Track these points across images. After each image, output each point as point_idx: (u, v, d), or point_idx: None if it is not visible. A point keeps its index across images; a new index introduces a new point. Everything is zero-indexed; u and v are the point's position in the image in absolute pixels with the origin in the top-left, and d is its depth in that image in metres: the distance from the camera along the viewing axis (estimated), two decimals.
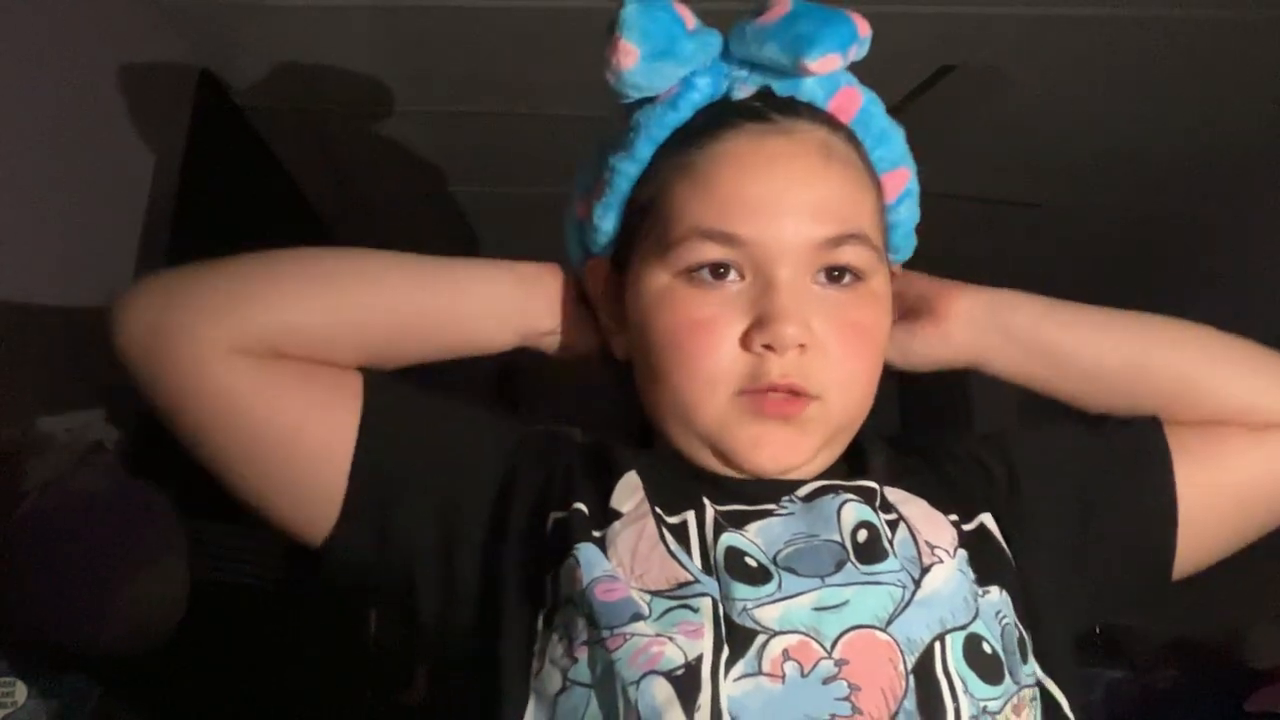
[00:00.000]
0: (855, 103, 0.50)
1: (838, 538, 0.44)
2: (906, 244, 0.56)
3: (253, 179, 1.72)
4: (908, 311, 0.55)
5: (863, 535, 0.44)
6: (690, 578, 0.42)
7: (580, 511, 0.45)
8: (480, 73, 1.74)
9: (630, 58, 0.46)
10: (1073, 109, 1.78)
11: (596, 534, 0.45)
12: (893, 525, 0.45)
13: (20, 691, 0.83)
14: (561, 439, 0.53)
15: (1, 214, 1.22)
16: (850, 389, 0.47)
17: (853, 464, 0.51)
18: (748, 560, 0.43)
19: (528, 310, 0.52)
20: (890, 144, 0.53)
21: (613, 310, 0.52)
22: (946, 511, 0.48)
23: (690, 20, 0.48)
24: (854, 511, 0.45)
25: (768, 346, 0.45)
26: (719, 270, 0.46)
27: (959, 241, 2.35)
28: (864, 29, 0.45)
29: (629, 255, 0.50)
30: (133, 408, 1.38)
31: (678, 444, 0.50)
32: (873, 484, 0.48)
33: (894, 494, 0.48)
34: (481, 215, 2.37)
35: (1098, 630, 2.42)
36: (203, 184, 1.48)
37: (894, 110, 1.81)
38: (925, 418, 3.64)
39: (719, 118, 0.48)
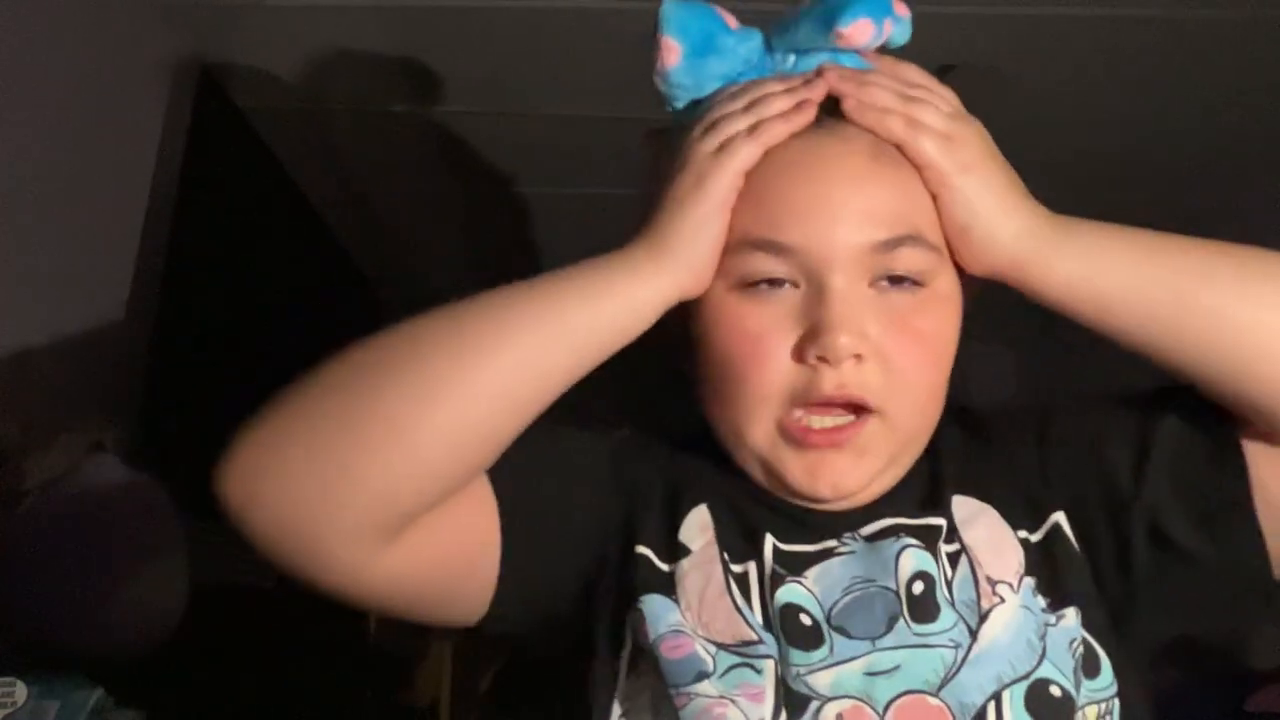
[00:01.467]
0: None
1: (894, 585, 0.43)
2: None
3: (253, 179, 1.72)
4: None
5: (919, 587, 0.43)
6: (754, 637, 0.42)
7: (645, 557, 0.45)
8: (481, 73, 1.74)
9: (673, 54, 0.45)
10: (1073, 109, 1.78)
11: (666, 568, 0.45)
12: (954, 560, 0.44)
13: (20, 691, 0.83)
14: (642, 457, 0.51)
15: (1, 213, 1.22)
16: (912, 400, 0.45)
17: (933, 470, 0.49)
18: (802, 619, 0.42)
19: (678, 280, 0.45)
20: None
21: (678, 323, 0.49)
22: (1018, 524, 0.46)
23: (732, 21, 0.48)
24: (912, 559, 0.44)
25: (821, 358, 0.43)
26: (772, 280, 0.45)
27: None
28: (901, 8, 0.45)
29: None
30: (133, 408, 1.38)
31: (738, 463, 0.48)
32: (939, 521, 0.46)
33: (963, 507, 0.46)
34: (481, 215, 2.37)
35: None
36: (203, 184, 1.48)
37: None
38: None
39: None
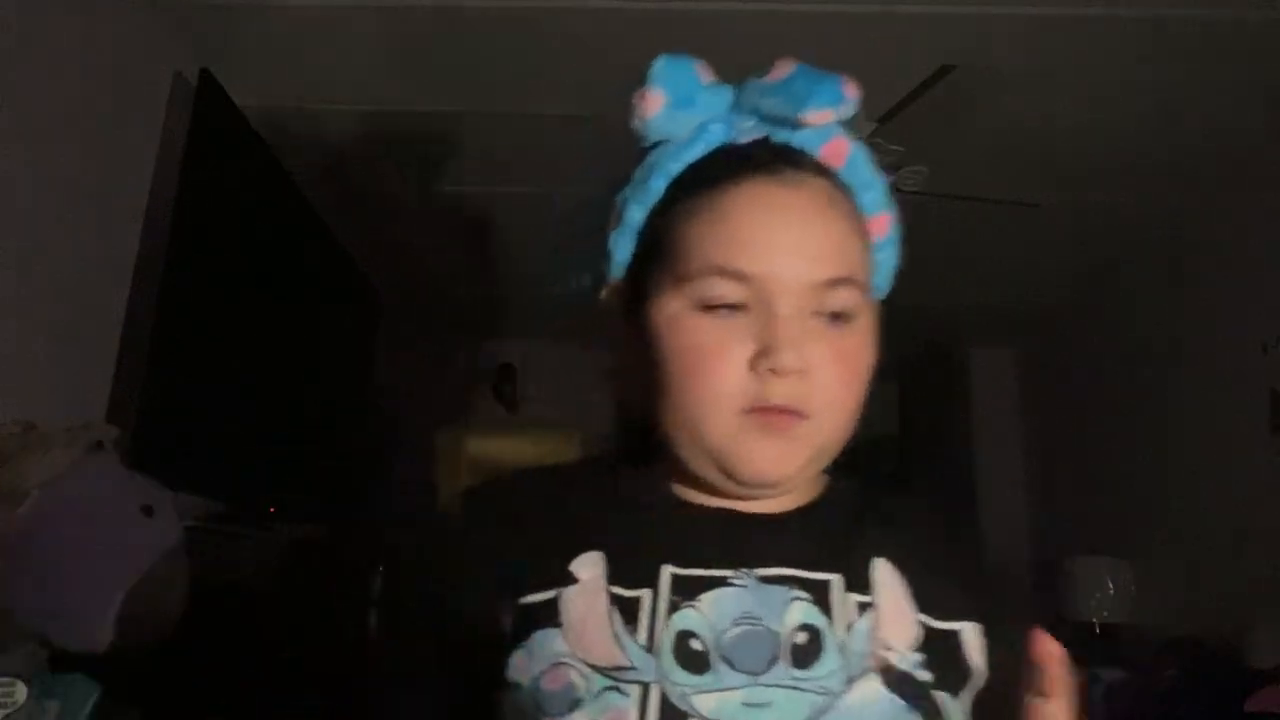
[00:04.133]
0: (844, 150, 0.55)
1: (779, 630, 0.49)
2: (885, 285, 0.60)
3: (253, 179, 1.72)
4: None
5: (802, 638, 0.49)
6: (627, 663, 0.48)
7: (526, 605, 0.51)
8: (480, 73, 1.74)
9: (657, 105, 0.53)
10: (1073, 109, 1.78)
11: (551, 594, 0.50)
12: (863, 609, 0.50)
13: (20, 692, 0.83)
14: (528, 520, 0.56)
15: (3, 214, 1.22)
16: (837, 412, 0.52)
17: (853, 533, 0.55)
18: (693, 644, 0.49)
19: None
20: (876, 190, 0.57)
21: (624, 326, 0.56)
22: (924, 609, 0.52)
23: (706, 76, 0.54)
24: (800, 612, 0.50)
25: (772, 370, 0.50)
26: (729, 304, 0.51)
27: (959, 241, 2.36)
28: (851, 91, 0.52)
29: (643, 280, 0.55)
30: (133, 408, 1.38)
31: (683, 455, 0.53)
32: (831, 576, 0.51)
33: (883, 570, 0.52)
34: (480, 214, 2.38)
35: (1097, 630, 2.44)
36: (203, 184, 1.48)
37: (894, 110, 1.80)
38: (925, 418, 3.65)
39: (735, 167, 0.53)
